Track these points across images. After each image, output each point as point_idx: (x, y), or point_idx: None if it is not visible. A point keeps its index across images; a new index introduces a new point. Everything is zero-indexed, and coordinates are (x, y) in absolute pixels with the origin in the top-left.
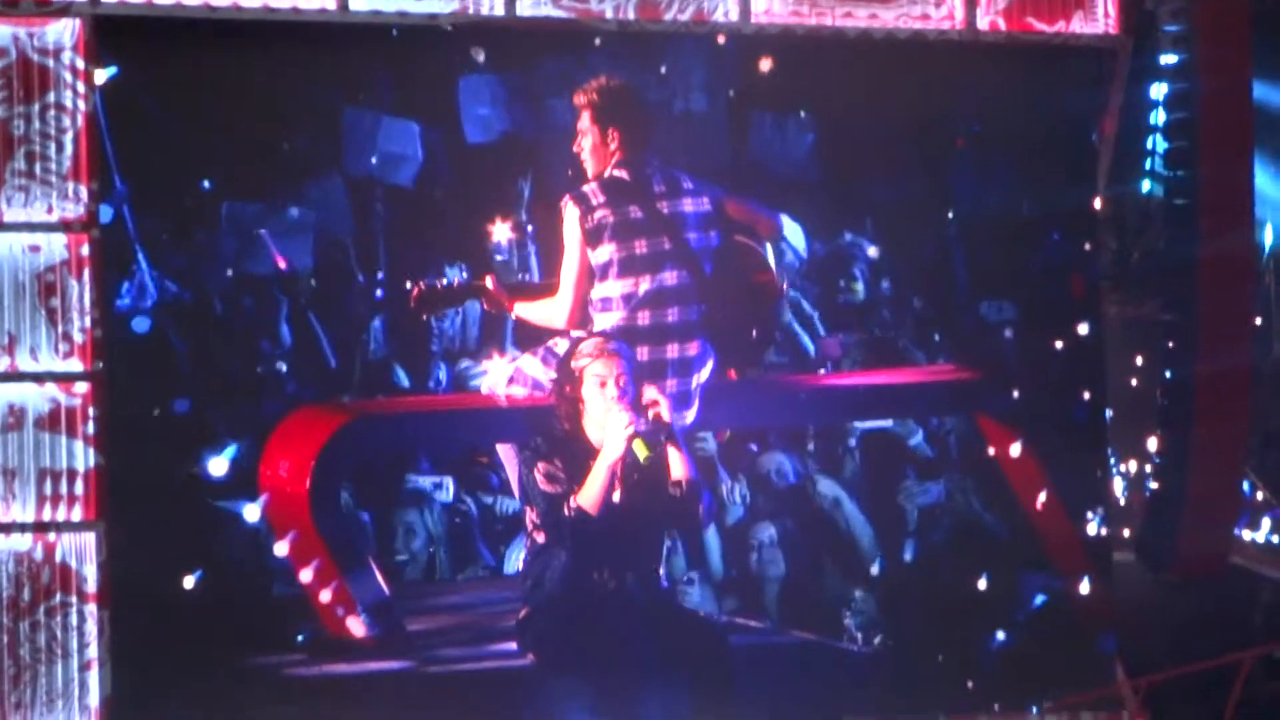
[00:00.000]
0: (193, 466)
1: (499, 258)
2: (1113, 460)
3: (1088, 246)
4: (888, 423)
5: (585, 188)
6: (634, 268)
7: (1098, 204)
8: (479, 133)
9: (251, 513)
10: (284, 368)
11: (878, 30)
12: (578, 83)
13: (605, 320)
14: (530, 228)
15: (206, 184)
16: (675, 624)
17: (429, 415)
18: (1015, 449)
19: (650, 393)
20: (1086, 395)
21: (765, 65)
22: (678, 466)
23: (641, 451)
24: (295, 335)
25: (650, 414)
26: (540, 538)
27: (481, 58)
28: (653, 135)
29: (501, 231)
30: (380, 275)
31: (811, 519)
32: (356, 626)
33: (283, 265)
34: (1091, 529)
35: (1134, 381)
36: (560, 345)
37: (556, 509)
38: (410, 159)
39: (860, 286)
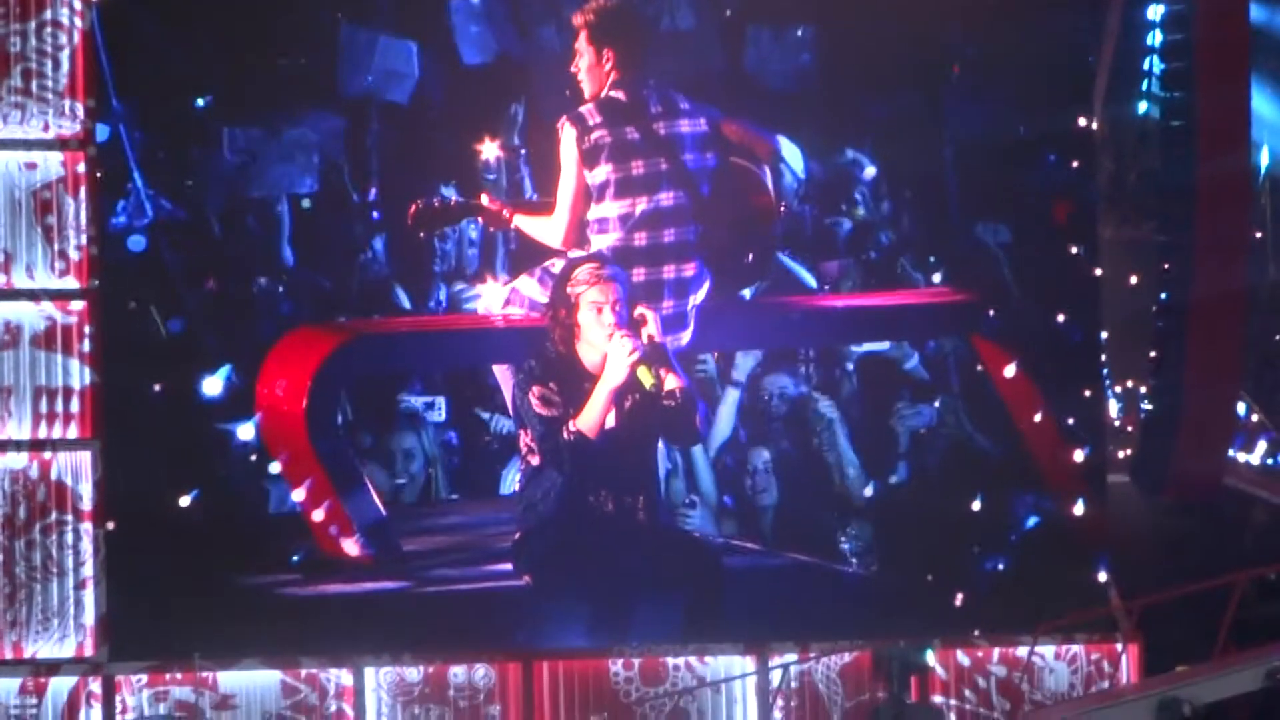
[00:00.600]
0: (190, 386)
1: (489, 177)
2: (1108, 382)
3: (1081, 166)
4: (884, 346)
5: (582, 108)
6: (631, 188)
7: (1094, 125)
8: (474, 53)
9: (246, 431)
10: (280, 288)
11: None
12: (574, 3)
13: (602, 241)
14: (524, 150)
15: (202, 102)
16: (670, 545)
17: (425, 335)
18: (1010, 370)
19: (639, 309)
20: (1081, 316)
21: None
22: (671, 379)
23: (646, 378)
24: (292, 255)
25: (643, 335)
26: (535, 460)
27: None
28: (649, 55)
29: (491, 150)
30: (375, 195)
31: (806, 444)
32: (352, 546)
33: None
34: (1086, 451)
35: (1129, 303)
36: (557, 266)
37: (553, 432)
38: (406, 77)
39: (860, 210)
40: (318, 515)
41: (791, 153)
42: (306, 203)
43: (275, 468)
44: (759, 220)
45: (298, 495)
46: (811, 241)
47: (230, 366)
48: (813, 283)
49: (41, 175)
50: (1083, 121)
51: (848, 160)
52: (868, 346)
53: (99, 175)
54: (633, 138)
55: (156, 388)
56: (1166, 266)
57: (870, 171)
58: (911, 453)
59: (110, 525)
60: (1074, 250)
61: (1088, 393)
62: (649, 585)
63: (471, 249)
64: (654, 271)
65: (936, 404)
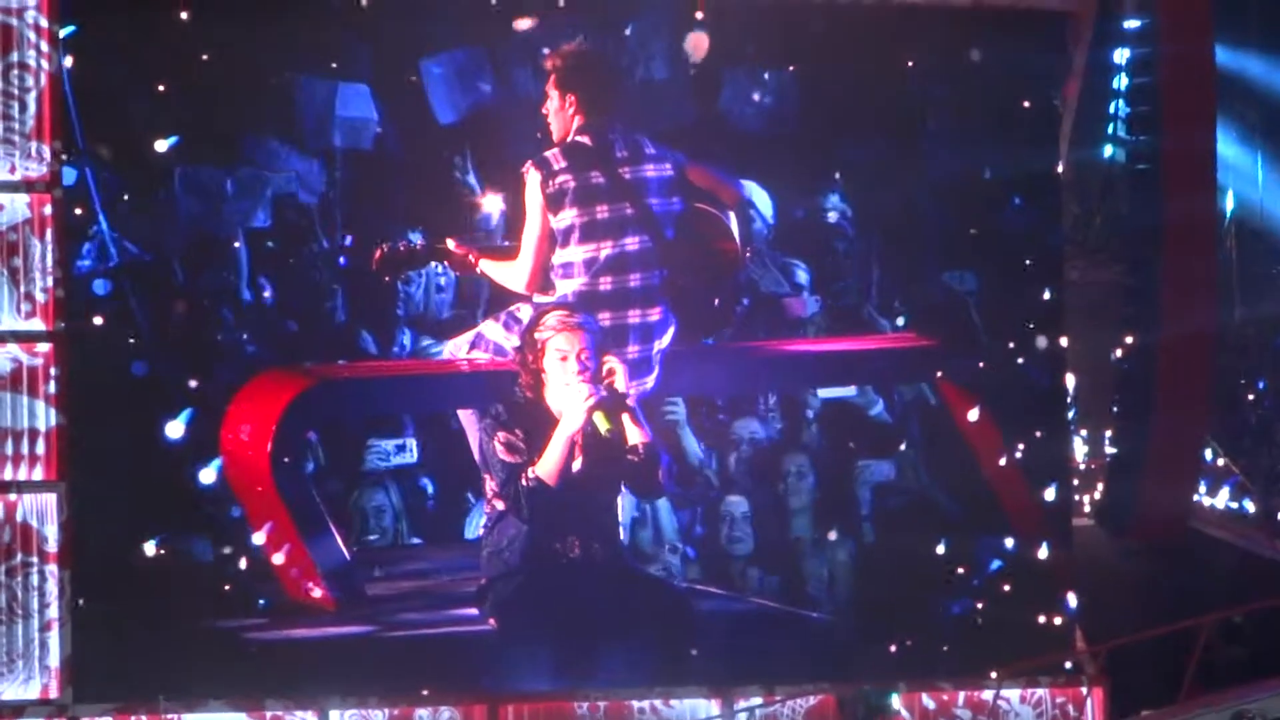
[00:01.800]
0: (153, 429)
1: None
2: (1073, 425)
3: (1047, 209)
4: (850, 392)
5: (547, 153)
6: (596, 233)
7: (1060, 168)
8: (448, 112)
9: (208, 475)
10: (244, 332)
11: None
12: (540, 50)
13: (566, 285)
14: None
15: (166, 147)
16: (635, 588)
17: (391, 380)
18: (974, 414)
19: (608, 360)
20: (1047, 360)
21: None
22: (634, 432)
23: (603, 424)
24: (256, 299)
25: (606, 382)
26: (499, 505)
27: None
28: (617, 101)
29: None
30: (345, 240)
31: (774, 490)
32: (316, 590)
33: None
34: (1051, 494)
35: (1095, 347)
36: (524, 311)
37: (515, 478)
38: (369, 123)
39: (843, 252)
40: (280, 559)
41: (760, 198)
42: (270, 243)
43: (237, 512)
44: (724, 265)
45: (261, 539)
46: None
47: (192, 410)
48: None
49: (8, 217)
50: (1049, 164)
51: (818, 205)
52: (832, 393)
53: (65, 218)
54: (597, 182)
55: (121, 430)
56: (1133, 309)
57: (832, 215)
58: (875, 507)
59: (75, 569)
60: (1040, 293)
61: (1053, 435)
62: (614, 629)
63: (440, 294)
64: (619, 316)
65: (894, 462)
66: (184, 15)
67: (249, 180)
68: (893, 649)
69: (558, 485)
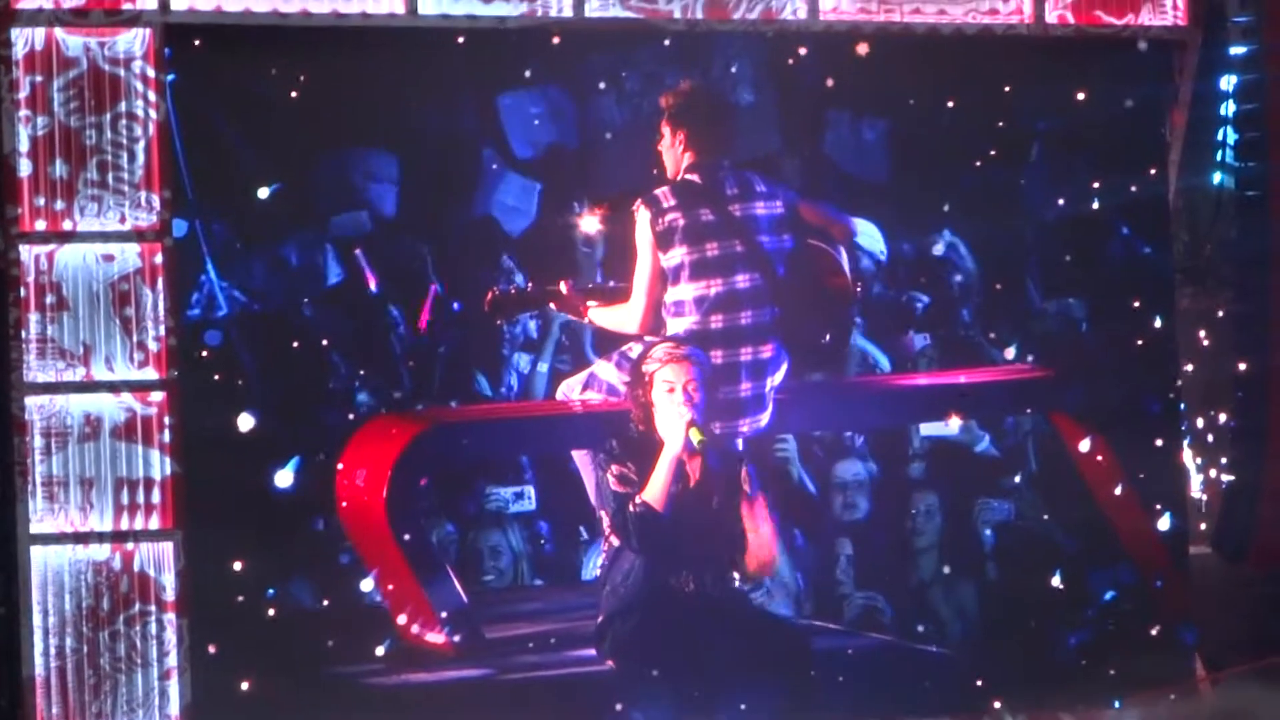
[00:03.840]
0: (265, 478)
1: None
2: (1188, 453)
3: (1157, 238)
4: (953, 431)
5: (657, 191)
6: (706, 271)
7: (1169, 197)
8: (526, 148)
9: (321, 523)
10: (356, 380)
11: (946, 26)
12: (640, 86)
13: (678, 324)
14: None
15: (274, 195)
16: (753, 626)
17: (504, 423)
18: (1090, 445)
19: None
20: (1160, 389)
21: (839, 64)
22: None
23: (695, 436)
24: (367, 346)
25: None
26: (615, 541)
27: (528, 74)
28: (729, 139)
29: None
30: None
31: (890, 530)
32: (436, 635)
33: (369, 281)
34: (1166, 522)
35: (1208, 374)
36: (635, 350)
37: (624, 507)
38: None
39: (956, 285)
40: (404, 605)
41: (869, 233)
42: (373, 289)
43: (359, 559)
44: (836, 301)
45: (384, 586)
46: (888, 321)
47: (299, 458)
48: (886, 364)
49: (119, 267)
50: (1158, 193)
51: (929, 240)
52: (933, 431)
53: (176, 267)
54: (708, 219)
55: (234, 479)
56: (1244, 336)
57: (939, 248)
58: (995, 543)
59: (199, 619)
60: (1152, 322)
61: (1167, 464)
62: (734, 668)
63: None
64: (731, 354)
65: (1012, 498)
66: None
67: (362, 227)
68: (1012, 681)
69: (665, 511)
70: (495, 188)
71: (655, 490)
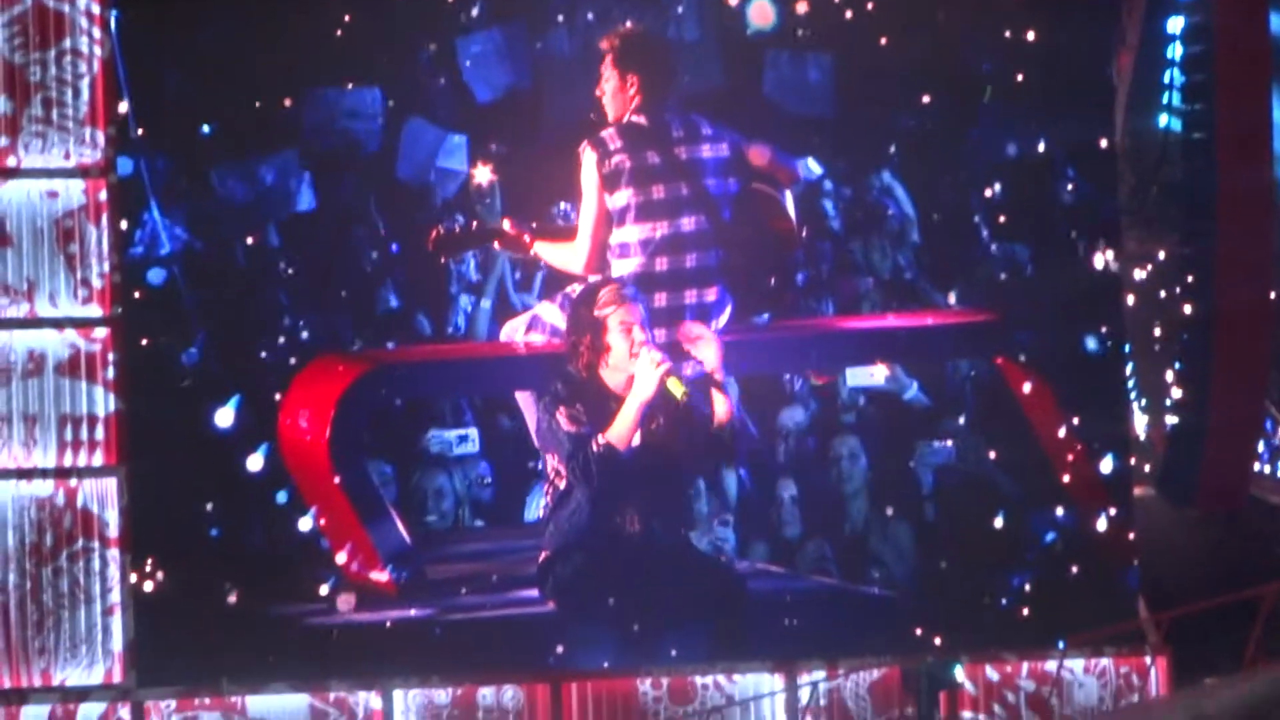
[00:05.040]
0: (207, 416)
1: (485, 202)
2: (1133, 395)
3: (1103, 181)
4: (880, 381)
5: (603, 133)
6: (652, 213)
7: (1115, 139)
8: (486, 91)
9: (255, 462)
10: (297, 316)
11: None
12: (584, 28)
13: (623, 266)
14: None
15: (208, 129)
16: (694, 569)
17: (448, 364)
18: (1033, 388)
19: (700, 332)
20: (1104, 331)
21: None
22: (722, 406)
23: (677, 389)
24: (308, 283)
25: (691, 362)
26: (560, 483)
27: (475, 12)
28: (674, 82)
29: (483, 175)
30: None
31: (825, 475)
32: (379, 574)
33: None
34: (1109, 465)
35: (1153, 317)
36: (578, 292)
37: (582, 447)
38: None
39: (880, 234)
40: (346, 545)
41: (809, 168)
42: (310, 226)
43: (285, 497)
44: (781, 245)
45: (325, 525)
46: (832, 258)
47: (240, 396)
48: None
49: (64, 203)
50: (1104, 136)
51: (869, 182)
52: (861, 382)
53: (120, 203)
54: (654, 162)
55: (177, 417)
56: (1190, 279)
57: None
58: (936, 489)
59: (142, 555)
60: (1097, 265)
61: (1112, 407)
62: (674, 609)
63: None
64: (675, 297)
65: (950, 442)
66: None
67: (290, 166)
68: (955, 622)
69: (627, 453)
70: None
71: (620, 431)
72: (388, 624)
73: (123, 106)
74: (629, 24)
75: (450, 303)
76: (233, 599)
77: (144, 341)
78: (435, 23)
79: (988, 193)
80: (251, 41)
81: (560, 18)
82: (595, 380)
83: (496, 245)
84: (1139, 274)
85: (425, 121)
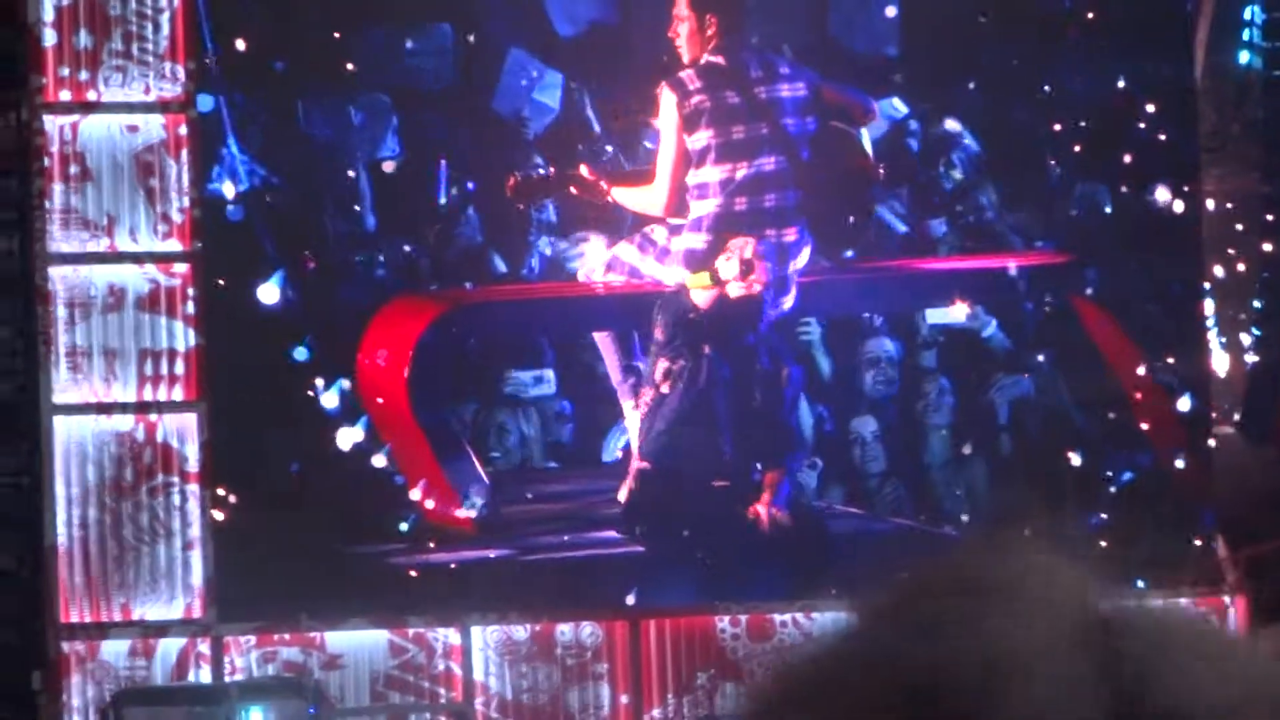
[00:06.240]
0: (285, 352)
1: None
2: (1213, 334)
3: (1183, 118)
4: (959, 319)
5: (681, 74)
6: (731, 153)
7: (1196, 76)
8: (567, 25)
9: (331, 399)
10: (376, 255)
11: None
12: None
13: (702, 207)
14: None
15: (281, 66)
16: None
17: (527, 304)
18: (1110, 328)
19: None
20: (1183, 270)
21: None
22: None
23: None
24: (385, 221)
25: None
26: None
27: None
28: (749, 21)
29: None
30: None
31: (910, 410)
32: (456, 513)
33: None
34: (1186, 404)
35: (1234, 254)
36: (658, 233)
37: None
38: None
39: (957, 172)
40: (416, 480)
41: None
42: (389, 167)
43: (363, 434)
44: (858, 183)
45: (404, 464)
46: (911, 199)
47: (317, 334)
48: (902, 227)
49: (143, 138)
50: (1183, 73)
51: (944, 127)
52: (940, 319)
53: (200, 138)
54: (733, 102)
55: (255, 353)
56: (1270, 217)
57: (955, 127)
58: (1012, 421)
59: (221, 491)
60: (1175, 204)
61: (1191, 346)
62: (754, 546)
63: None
64: (755, 236)
65: (1028, 375)
66: None
67: (382, 104)
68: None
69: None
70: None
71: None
72: (464, 563)
73: (203, 41)
74: None
75: (528, 243)
76: (311, 535)
77: (221, 279)
78: None
79: (1064, 130)
80: None
81: None
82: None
83: (574, 190)
84: (1219, 211)
85: (526, 53)
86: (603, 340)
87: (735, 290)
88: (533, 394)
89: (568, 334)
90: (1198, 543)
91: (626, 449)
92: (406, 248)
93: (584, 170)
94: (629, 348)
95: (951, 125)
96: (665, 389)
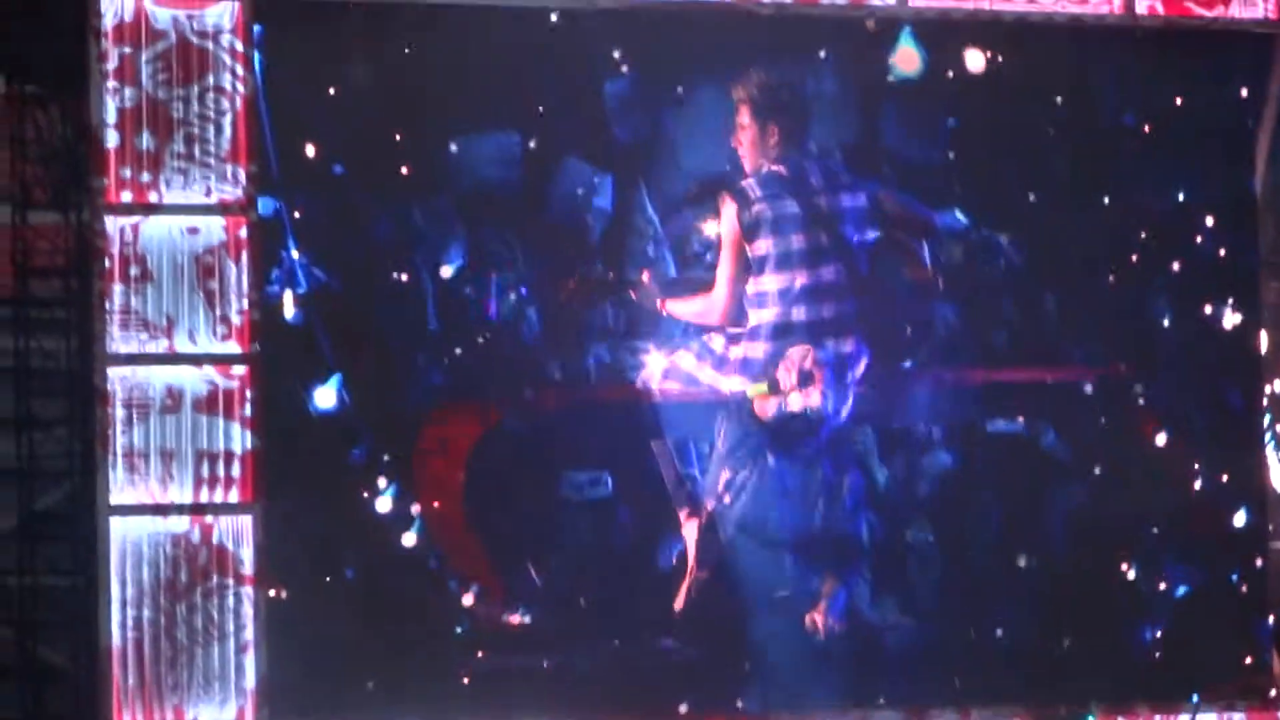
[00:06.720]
0: (342, 456)
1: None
2: (1273, 448)
3: (1244, 231)
4: (1017, 425)
5: (744, 183)
6: (791, 263)
7: (1258, 188)
8: (627, 133)
9: (385, 504)
10: (431, 358)
11: (1035, 15)
12: (726, 73)
13: (760, 316)
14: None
15: (340, 170)
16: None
17: (581, 411)
18: (1168, 441)
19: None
20: (1242, 383)
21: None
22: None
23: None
24: (443, 326)
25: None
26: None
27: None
28: (810, 130)
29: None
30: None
31: (964, 521)
32: (511, 618)
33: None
34: (1242, 518)
35: None
36: (716, 342)
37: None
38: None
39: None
40: (472, 587)
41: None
42: (447, 271)
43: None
44: (917, 294)
45: (461, 569)
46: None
47: (372, 437)
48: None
49: (204, 240)
50: (1245, 186)
51: (1003, 239)
52: (997, 427)
53: (260, 242)
54: (793, 211)
55: (312, 457)
56: None
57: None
58: (1067, 532)
59: (276, 592)
60: (1234, 317)
61: (1248, 460)
62: (808, 659)
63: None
64: (813, 346)
65: (1084, 491)
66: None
67: (442, 210)
68: (1087, 673)
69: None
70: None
71: None
72: (516, 668)
73: (264, 144)
74: (763, 73)
75: (584, 349)
76: (364, 639)
77: (280, 381)
78: (581, 65)
79: (1126, 244)
80: (393, 83)
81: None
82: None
83: (633, 295)
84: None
85: (580, 160)
86: (659, 448)
87: (795, 400)
88: (589, 496)
89: (625, 440)
90: (1251, 658)
91: (681, 555)
92: (458, 350)
93: (645, 277)
94: (685, 456)
95: (1009, 236)
96: (727, 499)
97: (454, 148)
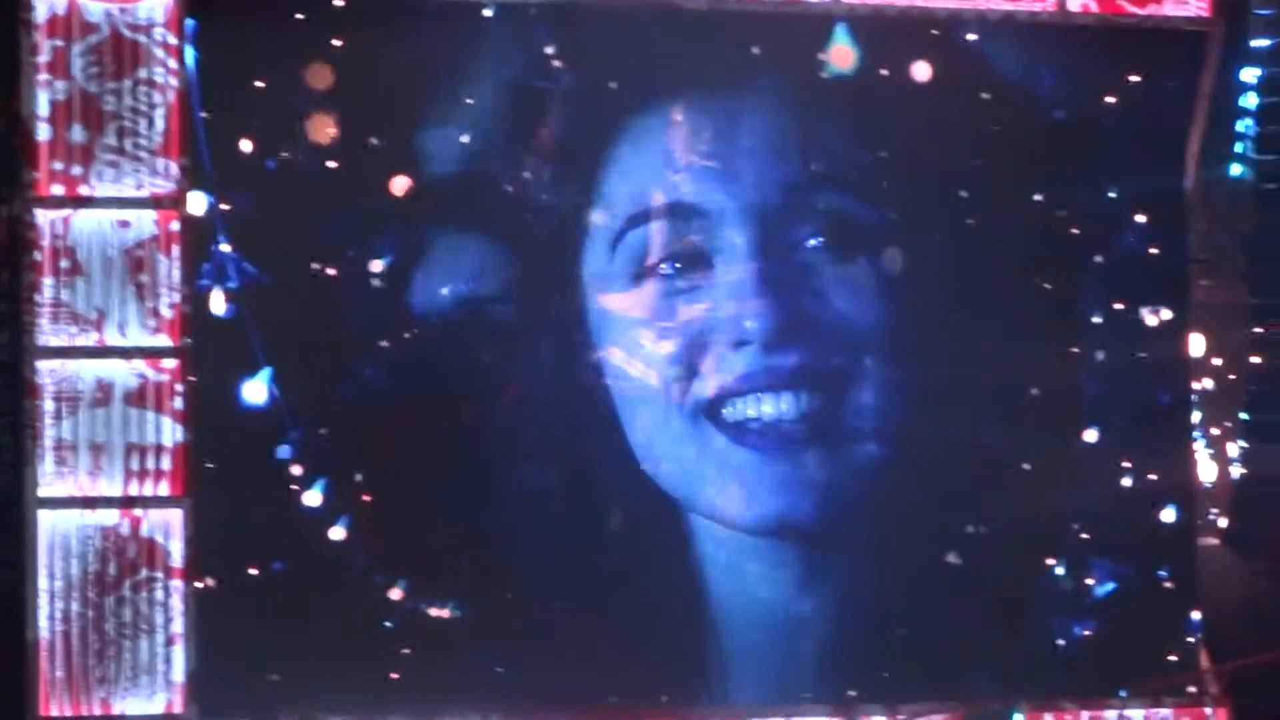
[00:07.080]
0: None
1: None
2: (1200, 445)
3: (1174, 228)
4: (947, 422)
5: (677, 178)
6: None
7: (1188, 187)
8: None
9: (314, 497)
10: (362, 354)
11: (968, 12)
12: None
13: (692, 312)
14: None
15: (292, 172)
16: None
17: (516, 403)
18: (1098, 437)
19: None
20: (1172, 380)
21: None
22: None
23: None
24: (373, 321)
25: None
26: None
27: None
28: (743, 126)
29: None
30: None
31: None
32: (439, 614)
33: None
34: (1171, 514)
35: (1221, 365)
36: (648, 336)
37: None
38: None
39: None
40: (402, 582)
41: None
42: (378, 266)
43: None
44: (850, 292)
45: (383, 562)
46: None
47: (295, 434)
48: None
49: (134, 233)
50: (1176, 184)
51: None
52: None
53: (191, 235)
54: (728, 207)
55: (239, 451)
56: (1259, 329)
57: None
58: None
59: (206, 583)
60: (1167, 313)
61: (1177, 455)
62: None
63: None
64: None
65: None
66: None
67: (373, 207)
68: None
69: None
70: None
71: None
72: (445, 662)
73: (196, 137)
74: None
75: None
76: (292, 633)
77: (210, 375)
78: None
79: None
80: (327, 77)
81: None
82: None
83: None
84: (1207, 323)
85: (516, 155)
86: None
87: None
88: (523, 489)
89: (562, 432)
90: (1179, 655)
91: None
92: (388, 345)
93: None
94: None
95: (940, 234)
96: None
97: (387, 142)
